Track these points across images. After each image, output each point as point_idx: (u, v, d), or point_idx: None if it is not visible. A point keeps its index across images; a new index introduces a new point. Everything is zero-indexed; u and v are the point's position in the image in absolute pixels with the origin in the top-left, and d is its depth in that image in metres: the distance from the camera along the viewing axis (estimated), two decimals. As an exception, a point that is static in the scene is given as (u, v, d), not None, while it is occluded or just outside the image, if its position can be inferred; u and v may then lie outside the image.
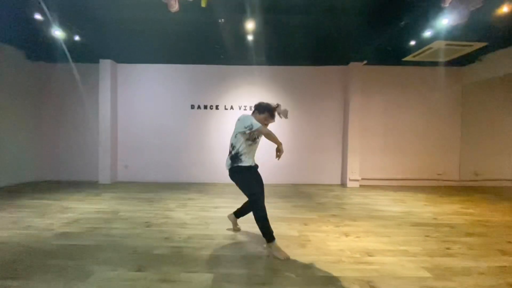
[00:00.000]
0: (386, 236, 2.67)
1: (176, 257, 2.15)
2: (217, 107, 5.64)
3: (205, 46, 4.92)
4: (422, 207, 3.83)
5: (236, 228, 2.77)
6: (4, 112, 4.85)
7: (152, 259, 2.11)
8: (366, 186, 5.35)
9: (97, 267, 1.96)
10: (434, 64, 5.28)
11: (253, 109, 2.48)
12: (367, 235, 2.71)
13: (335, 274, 1.91)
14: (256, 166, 2.53)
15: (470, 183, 5.62)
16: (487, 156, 5.63)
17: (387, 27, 4.20)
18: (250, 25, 4.14)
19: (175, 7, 2.19)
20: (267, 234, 2.20)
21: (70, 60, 5.14)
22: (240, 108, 5.63)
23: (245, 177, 2.35)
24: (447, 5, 2.66)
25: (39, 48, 4.94)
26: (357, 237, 2.65)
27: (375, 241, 2.54)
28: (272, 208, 3.59)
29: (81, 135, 5.56)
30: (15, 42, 4.90)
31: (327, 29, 4.62)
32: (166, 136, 5.64)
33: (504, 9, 3.02)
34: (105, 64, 5.32)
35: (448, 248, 2.40)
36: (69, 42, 4.48)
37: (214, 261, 2.08)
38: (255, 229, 2.76)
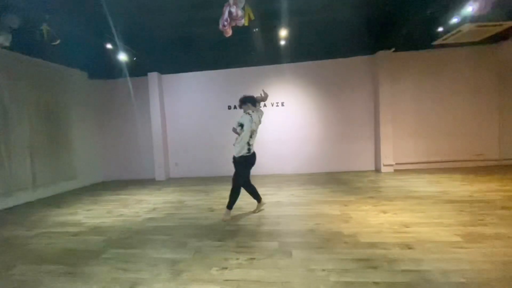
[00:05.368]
0: (421, 212, 2.99)
1: (244, 231, 2.71)
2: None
3: (236, 51, 5.43)
4: (458, 187, 4.01)
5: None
6: (76, 125, 5.82)
7: (226, 233, 2.69)
8: (401, 171, 5.54)
9: (188, 239, 2.59)
10: (466, 44, 5.24)
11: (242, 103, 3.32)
12: (403, 212, 3.05)
13: (377, 240, 2.33)
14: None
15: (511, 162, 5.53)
16: (530, 133, 5.48)
17: (414, 15, 4.34)
18: (281, 29, 4.55)
19: (229, 33, 2.68)
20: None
21: (123, 76, 5.96)
22: (272, 105, 6.08)
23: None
24: (472, -4, 2.83)
25: (98, 68, 5.83)
26: (394, 213, 3.01)
27: (411, 216, 2.88)
28: (311, 193, 4.05)
29: (137, 139, 6.43)
30: (79, 65, 5.82)
31: (353, 22, 4.85)
32: (208, 135, 6.30)
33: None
34: (153, 77, 6.08)
35: (481, 220, 2.67)
36: (123, 60, 5.23)
37: (274, 234, 2.60)
38: (296, 211, 3.24)
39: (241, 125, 3.04)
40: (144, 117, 6.32)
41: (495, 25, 4.37)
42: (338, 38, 5.22)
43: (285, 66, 5.97)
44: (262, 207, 3.38)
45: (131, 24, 4.55)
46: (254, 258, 2.12)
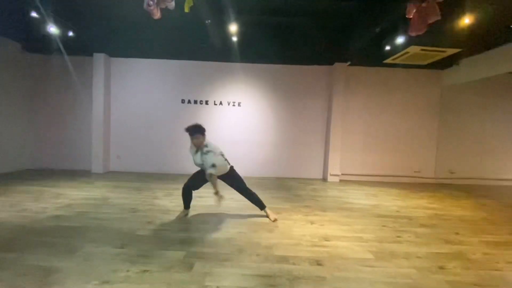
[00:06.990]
0: (347, 225, 2.98)
1: (155, 237, 2.44)
2: (206, 102, 5.87)
3: (196, 43, 5.14)
4: (391, 201, 4.15)
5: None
6: (6, 102, 5.06)
7: (133, 238, 2.40)
8: (346, 181, 5.66)
9: (84, 244, 2.24)
10: (415, 66, 5.52)
11: (200, 135, 2.74)
12: (331, 223, 3.02)
13: (291, 254, 2.21)
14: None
15: (445, 181, 5.94)
16: (462, 156, 5.94)
17: (367, 31, 4.45)
18: (237, 26, 4.35)
19: (157, 15, 2.41)
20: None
21: (65, 53, 5.27)
22: (229, 104, 5.86)
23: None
24: (411, 16, 2.90)
25: (35, 40, 5.09)
26: (321, 225, 2.95)
27: (336, 229, 2.84)
28: (251, 198, 3.88)
29: (75, 125, 5.77)
30: (11, 35, 5.05)
31: (314, 31, 4.86)
32: (157, 129, 5.88)
33: (466, 20, 3.26)
34: (99, 58, 5.50)
35: (398, 236, 2.71)
36: (65, 35, 4.64)
37: (187, 241, 2.38)
38: (225, 217, 3.06)
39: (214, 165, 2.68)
40: (85, 102, 5.69)
41: (438, 51, 4.65)
42: (299, 44, 5.20)
43: (245, 65, 5.78)
44: (183, 216, 3.08)
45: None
46: (147, 271, 1.87)
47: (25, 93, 5.54)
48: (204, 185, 3.01)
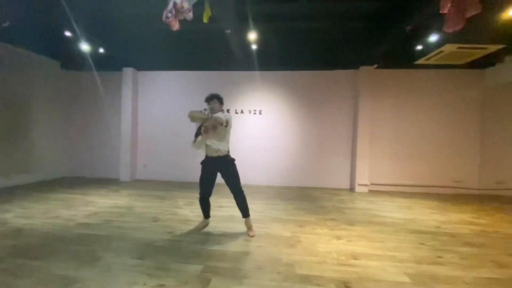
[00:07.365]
0: (379, 242, 2.70)
1: (173, 249, 2.40)
2: (228, 111, 5.88)
3: (217, 53, 5.22)
4: (428, 215, 3.74)
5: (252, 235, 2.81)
6: (40, 115, 5.51)
7: (152, 249, 2.37)
8: (376, 192, 5.27)
9: (105, 253, 2.26)
10: (451, 67, 5.07)
11: (217, 101, 2.89)
12: (360, 239, 2.76)
13: (315, 273, 2.03)
14: (210, 159, 2.84)
15: (491, 192, 5.29)
16: (511, 164, 5.27)
17: (396, 31, 4.17)
18: (256, 34, 4.33)
19: (175, 26, 2.45)
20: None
21: (97, 68, 5.68)
22: (250, 112, 5.83)
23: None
24: (445, 11, 2.64)
25: (71, 58, 5.54)
26: (348, 240, 2.72)
27: (365, 246, 2.59)
28: (272, 209, 3.74)
29: (106, 136, 6.11)
30: (51, 54, 5.55)
31: (336, 34, 4.69)
32: (182, 138, 5.98)
33: (510, 12, 2.90)
34: (127, 72, 5.81)
35: (439, 257, 2.39)
36: (97, 53, 4.99)
37: (205, 255, 2.29)
38: (244, 229, 2.94)
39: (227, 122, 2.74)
40: (115, 113, 6.01)
41: (478, 48, 4.22)
42: (322, 49, 5.06)
43: (266, 73, 5.74)
44: (203, 226, 3.00)
45: (107, 14, 4.30)
46: (163, 285, 1.81)
47: (62, 107, 6.01)
48: (213, 191, 2.89)
